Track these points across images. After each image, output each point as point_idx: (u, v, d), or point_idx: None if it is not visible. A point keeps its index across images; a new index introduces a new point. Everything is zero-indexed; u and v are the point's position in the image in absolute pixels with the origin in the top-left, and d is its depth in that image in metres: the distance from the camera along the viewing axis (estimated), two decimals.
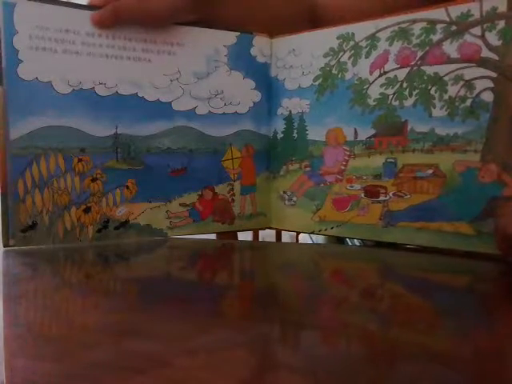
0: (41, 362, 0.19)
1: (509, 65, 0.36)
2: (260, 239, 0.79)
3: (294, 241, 0.67)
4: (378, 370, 0.19)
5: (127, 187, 0.42)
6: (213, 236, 0.54)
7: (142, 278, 0.34)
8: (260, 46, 0.47)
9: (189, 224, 0.46)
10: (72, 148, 0.40)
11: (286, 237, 0.96)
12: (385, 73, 0.42)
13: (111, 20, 0.40)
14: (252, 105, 0.48)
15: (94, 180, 0.41)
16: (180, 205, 0.45)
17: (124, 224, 0.43)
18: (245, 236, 0.61)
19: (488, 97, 0.37)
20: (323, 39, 0.45)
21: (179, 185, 0.45)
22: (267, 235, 0.81)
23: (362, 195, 0.44)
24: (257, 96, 0.48)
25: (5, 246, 0.39)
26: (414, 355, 0.20)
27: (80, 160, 0.40)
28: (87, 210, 0.41)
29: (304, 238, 0.57)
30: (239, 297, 0.30)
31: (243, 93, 0.47)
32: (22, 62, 0.38)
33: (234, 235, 0.56)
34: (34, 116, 0.38)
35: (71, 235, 0.41)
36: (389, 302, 0.29)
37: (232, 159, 0.47)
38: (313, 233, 0.47)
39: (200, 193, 0.46)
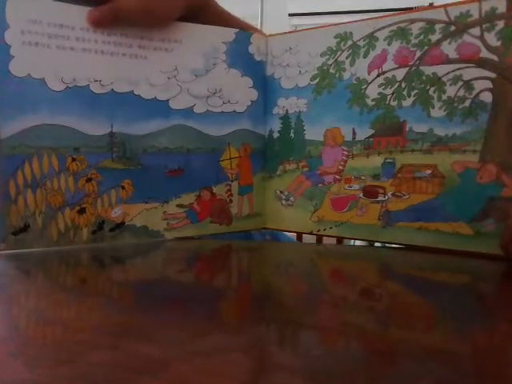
0: (37, 364, 0.19)
1: (508, 66, 0.36)
2: None
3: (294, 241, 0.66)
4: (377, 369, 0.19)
5: (123, 188, 0.41)
6: None
7: (138, 280, 0.33)
8: (257, 43, 0.46)
9: (186, 225, 0.45)
10: (66, 147, 0.39)
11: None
12: (383, 73, 0.41)
13: (110, 22, 0.39)
14: (250, 103, 0.47)
15: (88, 180, 0.40)
16: (177, 206, 0.44)
17: (119, 225, 0.41)
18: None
19: (487, 97, 0.37)
20: (320, 38, 0.44)
21: (176, 185, 0.44)
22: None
23: (361, 195, 0.44)
24: (254, 94, 0.47)
25: None
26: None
27: (74, 159, 0.39)
28: (82, 212, 0.40)
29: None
30: (237, 298, 0.30)
31: (241, 91, 0.46)
32: (14, 57, 0.36)
33: None
34: (26, 114, 0.37)
35: (65, 237, 0.39)
36: (387, 301, 0.29)
37: (230, 159, 0.46)
38: (311, 233, 0.47)
39: (198, 193, 0.45)
